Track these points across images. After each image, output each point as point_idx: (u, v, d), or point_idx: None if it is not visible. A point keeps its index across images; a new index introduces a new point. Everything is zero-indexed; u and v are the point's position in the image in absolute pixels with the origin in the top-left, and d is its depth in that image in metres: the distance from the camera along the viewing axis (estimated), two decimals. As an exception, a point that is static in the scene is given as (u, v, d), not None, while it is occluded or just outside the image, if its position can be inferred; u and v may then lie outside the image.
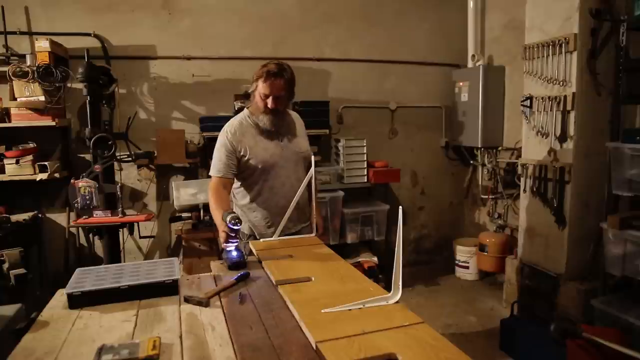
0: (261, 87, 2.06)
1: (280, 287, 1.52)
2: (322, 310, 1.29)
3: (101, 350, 1.15)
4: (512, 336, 2.92)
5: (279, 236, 2.11)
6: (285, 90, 2.08)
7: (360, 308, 1.31)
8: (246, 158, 2.13)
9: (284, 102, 2.12)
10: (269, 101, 2.05)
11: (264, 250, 1.92)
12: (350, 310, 1.30)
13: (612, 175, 2.61)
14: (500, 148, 4.11)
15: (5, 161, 3.21)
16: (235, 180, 2.20)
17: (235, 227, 1.75)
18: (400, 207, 1.38)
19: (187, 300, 1.49)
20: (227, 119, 3.67)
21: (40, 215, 3.52)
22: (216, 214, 2.00)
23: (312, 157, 2.13)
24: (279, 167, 2.16)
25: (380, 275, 3.69)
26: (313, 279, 1.57)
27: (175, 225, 3.60)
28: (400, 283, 1.35)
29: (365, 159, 3.94)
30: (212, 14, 3.83)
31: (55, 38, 3.28)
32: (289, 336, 1.22)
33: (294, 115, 2.35)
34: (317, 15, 4.09)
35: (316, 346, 1.12)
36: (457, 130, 4.38)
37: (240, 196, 2.25)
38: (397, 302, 1.35)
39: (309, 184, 2.14)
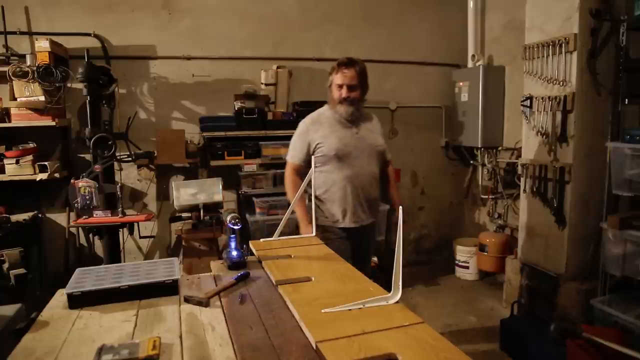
0: (335, 79, 2.28)
1: (280, 287, 1.52)
2: (322, 310, 1.29)
3: (101, 350, 1.15)
4: (512, 336, 2.92)
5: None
6: (358, 80, 2.26)
7: (360, 308, 1.31)
8: (321, 146, 2.28)
9: (358, 92, 2.28)
10: (343, 90, 2.24)
11: (263, 250, 1.92)
12: (350, 310, 1.30)
13: (612, 175, 2.61)
14: (500, 148, 4.11)
15: (5, 161, 3.21)
16: (314, 170, 2.16)
17: (235, 227, 1.75)
18: (401, 207, 1.38)
19: (187, 300, 1.49)
20: (227, 119, 3.74)
21: (40, 215, 3.52)
22: (290, 197, 2.31)
23: (389, 155, 2.43)
24: (352, 157, 2.29)
25: (380, 275, 3.69)
26: (313, 279, 1.57)
27: (175, 225, 3.59)
28: (400, 283, 1.35)
29: (365, 159, 3.94)
30: (212, 14, 3.83)
31: (55, 38, 3.28)
32: (289, 336, 1.22)
33: (373, 116, 2.51)
34: (317, 15, 4.09)
35: (316, 346, 1.12)
36: (457, 130, 4.38)
37: (317, 186, 2.28)
38: (397, 302, 1.35)
39: (386, 179, 2.49)
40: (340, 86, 2.25)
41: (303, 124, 2.37)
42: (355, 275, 1.63)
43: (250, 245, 2.01)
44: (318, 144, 2.29)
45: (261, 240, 2.10)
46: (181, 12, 3.76)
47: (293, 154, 2.35)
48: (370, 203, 2.37)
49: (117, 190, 3.02)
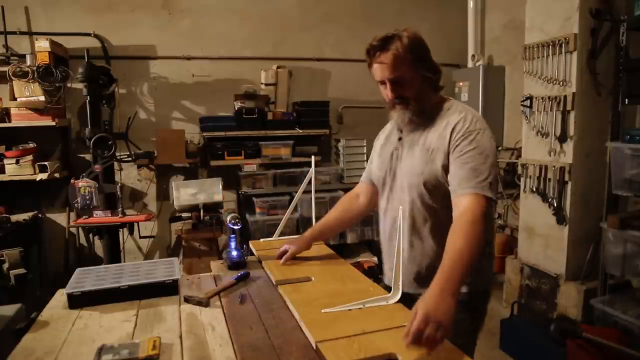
0: (373, 73, 1.47)
1: (280, 287, 1.52)
2: (322, 310, 1.29)
3: (101, 350, 1.15)
4: (512, 336, 2.92)
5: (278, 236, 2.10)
6: (402, 68, 1.39)
7: (360, 308, 1.31)
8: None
9: (410, 87, 1.42)
10: (387, 90, 1.45)
11: (264, 250, 1.92)
12: (350, 310, 1.30)
13: (612, 175, 2.61)
14: (500, 148, 4.11)
15: (5, 161, 3.21)
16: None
17: (235, 227, 1.75)
18: (401, 207, 1.38)
19: (187, 300, 1.49)
20: (227, 119, 3.74)
21: (40, 215, 3.52)
22: (322, 220, 1.81)
23: (459, 187, 1.34)
24: (387, 186, 1.58)
25: (380, 275, 3.69)
26: (313, 279, 1.57)
27: (175, 225, 3.60)
28: (401, 283, 1.35)
29: (365, 159, 3.94)
30: (212, 14, 3.83)
31: (55, 38, 3.28)
32: (289, 336, 1.22)
33: (455, 114, 1.44)
34: (317, 15, 4.09)
35: (316, 346, 1.12)
36: (457, 130, 4.37)
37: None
38: (397, 302, 1.35)
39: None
40: (382, 82, 1.45)
41: (382, 133, 1.72)
42: (355, 275, 1.63)
43: (250, 245, 2.01)
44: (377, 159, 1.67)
45: (261, 240, 2.10)
46: (181, 12, 3.76)
47: (363, 174, 1.79)
48: (408, 258, 1.50)
49: (117, 190, 3.02)
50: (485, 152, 1.36)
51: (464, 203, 1.31)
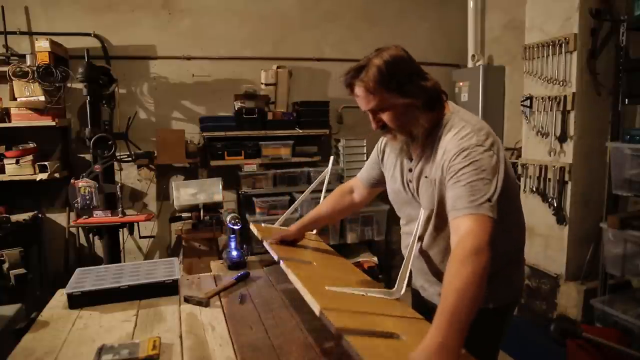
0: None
1: (285, 262, 1.41)
2: (326, 287, 1.23)
3: (101, 350, 1.15)
4: (512, 336, 2.91)
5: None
6: (376, 99, 1.29)
7: (362, 295, 1.27)
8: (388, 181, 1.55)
9: (391, 116, 1.31)
10: (371, 120, 1.37)
11: (264, 233, 1.83)
12: (353, 294, 1.26)
13: (612, 175, 2.62)
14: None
15: (5, 161, 3.21)
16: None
17: (235, 227, 1.75)
18: (422, 209, 1.34)
19: (187, 300, 1.49)
20: (227, 119, 3.74)
21: (40, 215, 3.52)
22: (314, 210, 1.76)
23: (454, 211, 1.17)
24: (404, 209, 1.49)
25: (380, 275, 3.69)
26: (315, 264, 1.53)
27: (175, 225, 3.59)
28: (406, 280, 1.30)
29: (365, 159, 3.94)
30: (212, 14, 3.83)
31: (55, 38, 3.28)
32: (289, 336, 1.22)
33: (449, 134, 1.30)
34: (317, 15, 4.09)
35: (320, 312, 1.05)
36: (457, 130, 4.37)
37: None
38: (398, 299, 1.33)
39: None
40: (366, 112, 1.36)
41: (384, 138, 1.55)
42: (357, 271, 1.62)
43: (251, 226, 1.91)
44: (387, 177, 1.56)
45: (262, 224, 2.05)
46: (181, 12, 3.76)
47: (361, 171, 1.72)
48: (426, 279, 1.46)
49: (117, 190, 3.02)
50: (482, 168, 1.18)
51: (463, 227, 1.11)
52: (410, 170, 1.40)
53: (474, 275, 1.02)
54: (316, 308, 1.07)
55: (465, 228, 1.11)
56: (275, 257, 1.50)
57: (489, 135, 1.27)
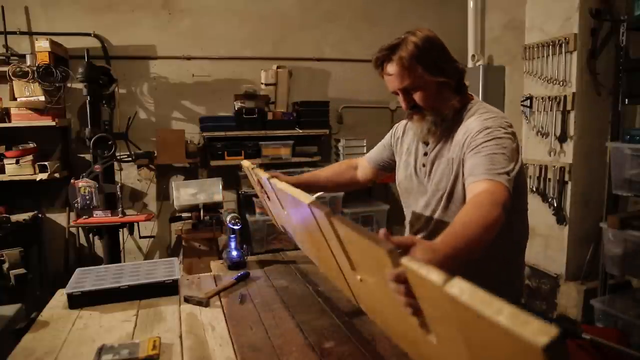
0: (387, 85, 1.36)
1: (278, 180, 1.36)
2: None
3: (101, 350, 1.15)
4: (512, 336, 2.91)
5: None
6: (410, 77, 1.26)
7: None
8: (397, 169, 1.56)
9: (424, 95, 1.29)
10: (400, 100, 1.36)
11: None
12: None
13: (612, 175, 2.62)
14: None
15: (5, 161, 3.21)
16: None
17: (235, 227, 1.75)
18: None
19: (187, 300, 1.49)
20: (227, 119, 3.74)
21: (40, 215, 3.52)
22: (312, 172, 1.77)
23: (471, 178, 1.16)
24: (412, 198, 1.48)
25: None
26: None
27: (175, 225, 3.59)
28: None
29: (365, 159, 3.94)
30: (212, 14, 3.83)
31: (55, 38, 3.28)
32: (289, 336, 1.22)
33: (474, 116, 1.33)
34: (317, 15, 4.09)
35: (309, 205, 1.06)
36: (457, 130, 4.37)
37: None
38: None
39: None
40: (395, 92, 1.35)
41: (400, 124, 1.61)
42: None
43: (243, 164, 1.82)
44: (398, 163, 1.56)
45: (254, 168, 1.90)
46: (181, 12, 3.76)
47: (370, 152, 1.72)
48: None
49: (117, 190, 3.02)
50: (503, 145, 1.17)
51: (480, 188, 1.10)
52: (426, 154, 1.40)
53: (484, 220, 0.99)
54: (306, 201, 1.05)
55: (481, 188, 1.09)
56: (264, 177, 1.44)
57: (511, 125, 1.29)
